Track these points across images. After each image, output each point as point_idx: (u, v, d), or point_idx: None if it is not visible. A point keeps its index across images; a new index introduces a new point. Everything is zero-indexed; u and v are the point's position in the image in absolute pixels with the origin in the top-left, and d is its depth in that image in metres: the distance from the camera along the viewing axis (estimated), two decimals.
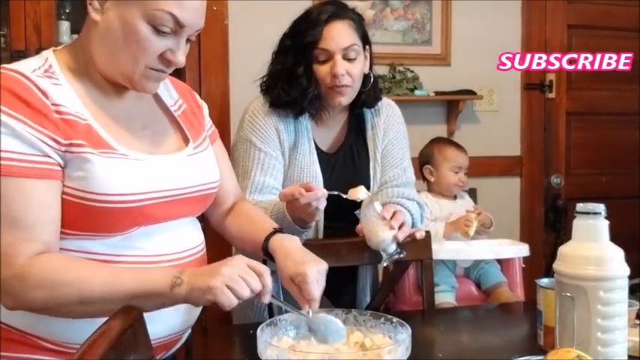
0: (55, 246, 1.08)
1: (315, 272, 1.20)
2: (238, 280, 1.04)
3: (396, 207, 1.55)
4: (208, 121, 1.40)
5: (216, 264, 1.07)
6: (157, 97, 1.30)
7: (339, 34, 1.66)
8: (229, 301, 1.03)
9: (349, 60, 1.67)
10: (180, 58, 1.15)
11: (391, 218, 1.46)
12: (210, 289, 1.02)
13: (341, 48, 1.65)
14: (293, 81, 1.68)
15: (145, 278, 1.06)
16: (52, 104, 1.08)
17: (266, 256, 1.33)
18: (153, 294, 1.05)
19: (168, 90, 1.33)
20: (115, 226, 1.12)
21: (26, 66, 1.11)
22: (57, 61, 1.15)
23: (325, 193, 1.42)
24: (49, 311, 1.07)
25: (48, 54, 1.17)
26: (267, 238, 1.32)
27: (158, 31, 1.10)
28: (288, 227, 1.48)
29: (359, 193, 1.48)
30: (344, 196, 1.48)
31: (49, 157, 1.06)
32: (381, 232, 1.44)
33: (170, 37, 1.12)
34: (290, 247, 1.29)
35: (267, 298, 1.08)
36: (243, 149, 1.72)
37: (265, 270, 1.08)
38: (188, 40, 1.17)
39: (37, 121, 1.05)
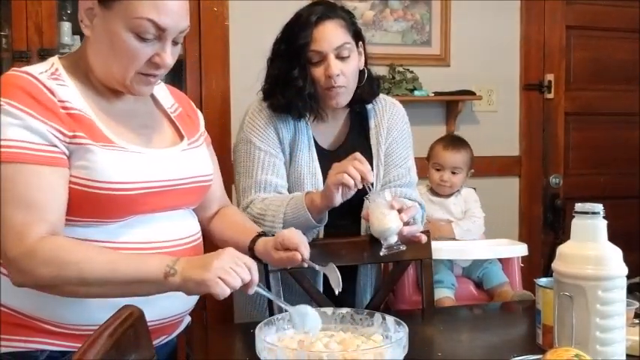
0: (61, 229, 1.16)
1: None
2: (230, 271, 1.11)
3: (406, 202, 1.55)
4: (202, 127, 1.47)
5: (208, 256, 1.15)
6: (155, 100, 1.39)
7: (329, 35, 1.66)
8: (223, 291, 1.11)
9: (342, 59, 1.67)
10: (168, 60, 1.22)
11: (401, 211, 1.46)
12: (205, 281, 1.10)
13: (333, 48, 1.66)
14: (289, 83, 1.68)
15: (140, 266, 1.14)
16: (59, 100, 1.17)
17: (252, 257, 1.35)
18: (148, 281, 1.13)
19: (166, 95, 1.44)
20: (114, 213, 1.20)
21: (34, 69, 1.21)
22: (61, 65, 1.24)
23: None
24: (54, 289, 1.14)
25: (54, 60, 1.26)
26: (253, 241, 1.40)
27: (142, 38, 1.18)
28: (303, 224, 1.50)
29: None
30: None
31: (56, 146, 1.16)
32: (387, 220, 1.44)
33: (155, 42, 1.20)
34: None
35: (252, 290, 1.15)
36: (244, 150, 1.73)
37: (253, 263, 1.15)
38: (176, 42, 1.24)
39: (45, 115, 1.15)
